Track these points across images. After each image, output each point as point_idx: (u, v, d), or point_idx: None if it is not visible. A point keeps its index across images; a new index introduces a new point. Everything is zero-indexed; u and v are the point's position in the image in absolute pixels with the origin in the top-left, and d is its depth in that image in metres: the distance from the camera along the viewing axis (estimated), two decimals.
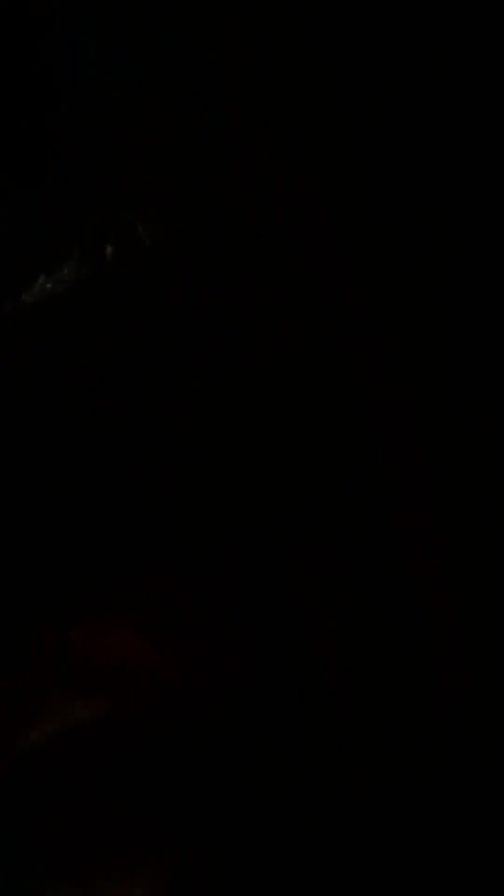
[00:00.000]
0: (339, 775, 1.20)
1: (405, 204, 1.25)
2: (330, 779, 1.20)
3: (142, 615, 1.22)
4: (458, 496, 1.22)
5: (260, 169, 1.25)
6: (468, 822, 1.19)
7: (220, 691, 1.21)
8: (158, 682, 1.21)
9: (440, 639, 1.21)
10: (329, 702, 1.21)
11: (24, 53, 1.23)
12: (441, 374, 1.23)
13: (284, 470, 1.24)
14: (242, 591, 1.22)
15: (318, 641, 1.22)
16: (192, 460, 1.24)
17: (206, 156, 1.25)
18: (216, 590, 1.22)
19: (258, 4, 1.25)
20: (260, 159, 1.25)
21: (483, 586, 1.21)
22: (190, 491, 1.23)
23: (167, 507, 1.23)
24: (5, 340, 1.23)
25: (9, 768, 1.19)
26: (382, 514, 1.22)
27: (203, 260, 1.25)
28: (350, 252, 1.25)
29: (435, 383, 1.23)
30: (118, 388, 1.24)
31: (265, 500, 1.23)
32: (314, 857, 1.19)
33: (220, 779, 1.20)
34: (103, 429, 1.23)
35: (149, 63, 1.24)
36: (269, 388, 1.24)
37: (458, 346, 1.24)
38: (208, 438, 1.24)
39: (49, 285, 1.23)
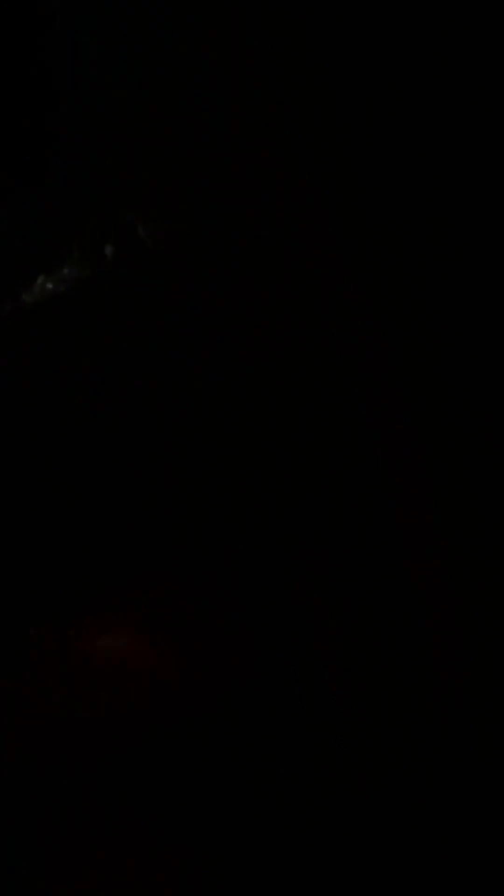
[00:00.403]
0: (339, 774, 1.20)
1: (405, 204, 1.25)
2: (330, 778, 1.20)
3: (142, 615, 1.22)
4: (458, 496, 1.22)
5: (260, 169, 1.25)
6: (468, 822, 1.19)
7: (220, 691, 1.21)
8: (158, 681, 1.21)
9: (440, 639, 1.21)
10: (329, 702, 1.21)
11: (24, 53, 1.23)
12: (441, 373, 1.23)
13: (284, 470, 1.24)
14: (242, 591, 1.22)
15: (318, 641, 1.22)
16: (192, 460, 1.24)
17: (206, 156, 1.25)
18: (216, 590, 1.22)
19: (258, 4, 1.25)
20: (260, 159, 1.25)
21: (483, 586, 1.21)
22: (190, 491, 1.23)
23: (167, 507, 1.23)
24: (5, 340, 1.23)
25: (8, 768, 1.19)
26: (382, 513, 1.22)
27: (203, 260, 1.25)
28: (350, 252, 1.25)
29: (435, 383, 1.23)
30: (118, 388, 1.24)
31: (265, 500, 1.23)
32: (314, 857, 1.19)
33: (221, 778, 1.20)
34: (103, 428, 1.23)
35: (149, 63, 1.24)
36: (269, 387, 1.24)
37: (458, 345, 1.24)
38: (208, 438, 1.24)
39: (49, 285, 1.23)
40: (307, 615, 1.22)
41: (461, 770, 1.19)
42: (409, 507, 1.22)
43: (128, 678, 1.21)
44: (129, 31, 1.24)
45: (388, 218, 1.25)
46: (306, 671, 1.22)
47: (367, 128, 1.25)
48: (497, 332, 1.24)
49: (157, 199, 1.24)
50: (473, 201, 1.25)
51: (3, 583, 1.22)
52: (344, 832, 1.20)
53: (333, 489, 1.23)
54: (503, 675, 1.20)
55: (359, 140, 1.25)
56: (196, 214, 1.24)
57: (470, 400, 1.23)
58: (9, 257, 1.23)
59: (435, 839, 1.19)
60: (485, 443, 1.23)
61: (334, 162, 1.25)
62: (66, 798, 1.19)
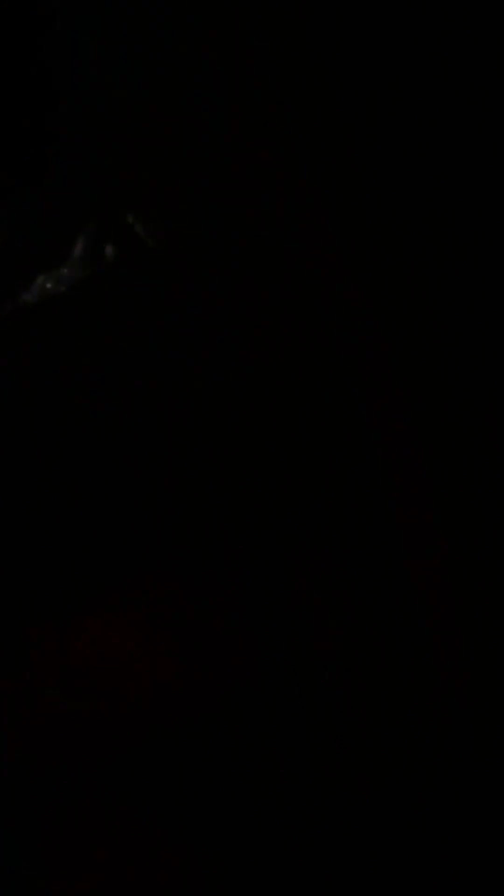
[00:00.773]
0: (339, 773, 1.20)
1: (405, 204, 1.25)
2: (330, 777, 1.20)
3: (141, 615, 1.22)
4: (458, 496, 1.22)
5: (260, 169, 1.25)
6: (468, 822, 1.19)
7: (220, 690, 1.21)
8: (158, 681, 1.21)
9: (440, 638, 1.21)
10: (329, 701, 1.21)
11: (25, 54, 1.23)
12: (440, 373, 1.23)
13: (284, 470, 1.23)
14: (242, 591, 1.22)
15: (318, 641, 1.22)
16: (191, 460, 1.24)
17: (205, 156, 1.25)
18: (216, 590, 1.22)
19: (258, 4, 1.25)
20: (260, 159, 1.25)
21: (483, 586, 1.21)
22: (190, 491, 1.23)
23: (167, 508, 1.23)
24: (5, 340, 1.23)
25: (8, 769, 1.19)
26: (382, 513, 1.22)
27: (203, 260, 1.25)
28: (350, 251, 1.25)
29: (434, 383, 1.23)
30: (118, 388, 1.24)
31: (265, 500, 1.23)
32: (314, 856, 1.19)
33: (221, 777, 1.20)
34: (103, 428, 1.23)
35: (149, 63, 1.24)
36: (270, 387, 1.24)
37: (457, 345, 1.24)
38: (208, 438, 1.23)
39: (49, 285, 1.23)
40: (307, 615, 1.22)
41: (461, 768, 1.19)
42: (410, 508, 1.22)
43: (128, 678, 1.21)
44: (129, 32, 1.24)
45: (387, 217, 1.25)
46: (306, 671, 1.21)
47: (366, 128, 1.25)
48: (496, 332, 1.24)
49: (157, 199, 1.24)
50: (473, 202, 1.24)
51: (3, 583, 1.22)
52: (344, 831, 1.19)
53: (333, 489, 1.23)
54: (503, 673, 1.20)
55: (358, 140, 1.25)
56: (196, 214, 1.24)
57: (469, 400, 1.23)
58: (9, 257, 1.23)
59: (434, 838, 1.19)
60: (484, 443, 1.23)
61: (334, 162, 1.25)
62: (65, 798, 1.19)
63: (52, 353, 1.23)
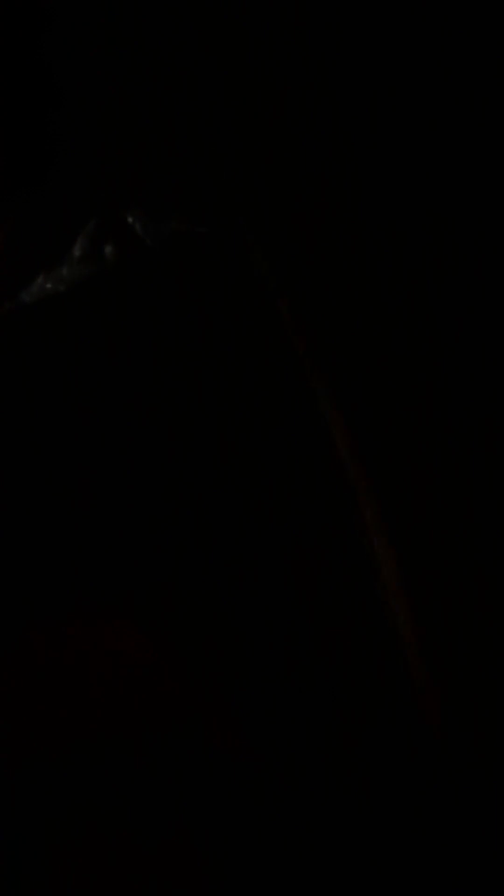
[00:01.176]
0: (339, 776, 1.20)
1: (405, 203, 1.25)
2: (330, 783, 1.20)
3: (140, 615, 1.22)
4: (457, 496, 1.22)
5: (260, 168, 1.25)
6: (468, 824, 1.18)
7: (220, 691, 1.21)
8: (158, 681, 1.21)
9: (439, 641, 1.20)
10: (329, 701, 1.21)
11: (25, 52, 1.24)
12: (441, 374, 1.23)
13: (285, 470, 1.23)
14: (242, 591, 1.22)
15: (318, 641, 1.21)
16: (191, 460, 1.23)
17: (206, 155, 1.25)
18: (216, 590, 1.22)
19: (258, 4, 1.25)
20: (260, 159, 1.25)
21: (483, 586, 1.21)
22: (189, 491, 1.23)
23: (166, 507, 1.23)
24: (4, 340, 1.24)
25: (8, 768, 1.19)
26: (383, 515, 1.22)
27: (203, 260, 1.25)
28: (350, 251, 1.25)
29: (435, 384, 1.23)
30: (117, 388, 1.24)
31: (265, 499, 1.23)
32: (314, 859, 1.19)
33: (221, 780, 1.20)
34: (102, 428, 1.23)
35: (149, 62, 1.25)
36: (270, 388, 1.24)
37: (457, 346, 1.23)
38: (208, 438, 1.23)
39: (48, 285, 1.23)
40: (307, 615, 1.22)
41: (461, 770, 1.19)
42: (409, 509, 1.22)
43: (128, 678, 1.20)
44: (130, 31, 1.25)
45: (387, 217, 1.25)
46: (306, 671, 1.21)
47: (367, 128, 1.25)
48: (497, 333, 1.24)
49: (157, 198, 1.24)
50: (473, 202, 1.24)
51: (3, 583, 1.22)
52: (344, 836, 1.19)
53: (334, 489, 1.23)
54: (501, 675, 1.19)
55: (359, 140, 1.25)
56: (196, 214, 1.25)
57: (470, 400, 1.23)
58: (7, 257, 1.23)
59: (434, 842, 1.18)
60: (484, 443, 1.22)
61: (334, 162, 1.25)
62: (66, 798, 1.19)
63: (51, 352, 1.24)
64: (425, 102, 1.24)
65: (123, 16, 1.24)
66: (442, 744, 1.19)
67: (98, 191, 1.24)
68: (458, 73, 1.24)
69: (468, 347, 1.23)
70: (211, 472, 1.23)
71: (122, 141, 1.25)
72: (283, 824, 1.19)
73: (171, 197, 1.25)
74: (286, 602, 1.22)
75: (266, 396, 1.24)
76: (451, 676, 1.20)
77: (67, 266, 1.23)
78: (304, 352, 1.24)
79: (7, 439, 1.23)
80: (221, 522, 1.23)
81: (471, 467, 1.22)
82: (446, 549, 1.22)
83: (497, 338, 1.23)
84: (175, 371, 1.24)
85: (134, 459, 1.23)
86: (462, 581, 1.21)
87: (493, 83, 1.23)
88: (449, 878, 1.18)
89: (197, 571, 1.22)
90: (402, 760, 1.19)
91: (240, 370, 1.23)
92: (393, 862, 1.18)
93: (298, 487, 1.23)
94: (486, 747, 1.18)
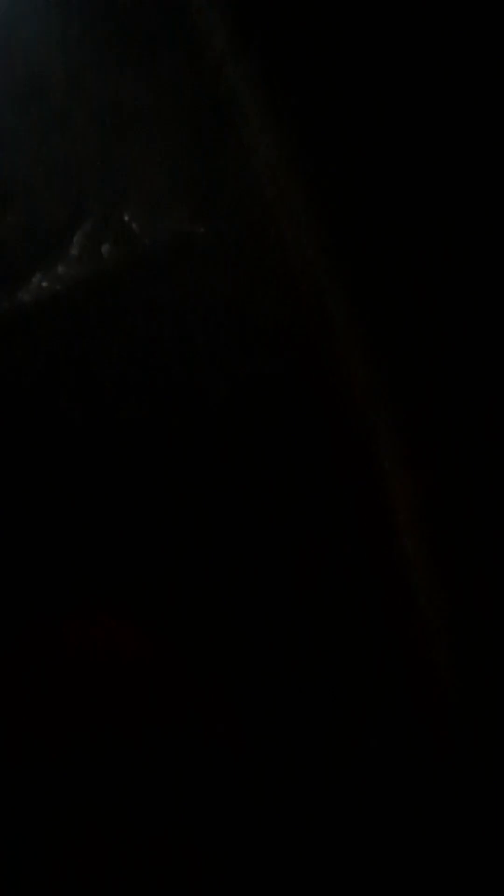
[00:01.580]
0: (339, 778, 1.20)
1: (405, 202, 1.25)
2: (329, 782, 1.20)
3: (140, 615, 1.22)
4: (457, 497, 1.22)
5: (258, 166, 1.25)
6: (468, 825, 1.18)
7: (220, 690, 1.21)
8: (157, 681, 1.21)
9: (438, 640, 1.21)
10: (329, 700, 1.21)
11: (25, 52, 1.24)
12: (441, 376, 1.23)
13: (285, 470, 1.23)
14: (242, 591, 1.22)
15: (318, 640, 1.22)
16: (191, 459, 1.23)
17: (203, 153, 1.25)
18: (216, 589, 1.22)
19: (258, 4, 1.25)
20: (258, 156, 1.25)
21: (483, 588, 1.21)
22: (189, 490, 1.23)
23: (166, 507, 1.23)
24: (2, 339, 1.23)
25: (8, 768, 1.19)
26: (383, 515, 1.22)
27: (200, 259, 1.25)
28: (350, 250, 1.25)
29: (435, 387, 1.23)
30: (116, 387, 1.24)
31: (265, 499, 1.23)
32: (313, 858, 1.19)
33: (220, 779, 1.20)
34: (101, 427, 1.23)
35: (147, 58, 1.24)
36: (269, 387, 1.24)
37: (458, 347, 1.23)
38: (208, 437, 1.23)
39: (45, 284, 1.23)
40: (307, 615, 1.22)
41: (461, 771, 1.19)
42: (410, 511, 1.22)
43: (128, 677, 1.20)
44: (129, 27, 1.24)
45: (387, 215, 1.25)
46: (305, 671, 1.21)
47: (367, 127, 1.25)
48: (497, 333, 1.24)
49: (154, 197, 1.24)
50: (473, 203, 1.24)
51: (4, 583, 1.22)
52: (343, 835, 1.19)
53: (333, 489, 1.23)
54: (500, 677, 1.19)
55: (359, 140, 1.25)
56: (193, 213, 1.24)
57: (470, 402, 1.23)
58: (5, 256, 1.23)
59: (434, 842, 1.18)
60: (485, 444, 1.23)
61: (334, 160, 1.25)
62: (66, 797, 1.19)
63: (50, 351, 1.24)
64: (425, 102, 1.24)
65: (122, 11, 1.24)
66: (442, 743, 1.19)
67: (95, 189, 1.24)
68: (458, 73, 1.24)
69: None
70: (211, 471, 1.23)
71: (119, 139, 1.25)
72: (283, 823, 1.19)
73: (168, 195, 1.24)
74: (286, 602, 1.22)
75: (266, 395, 1.24)
76: (451, 676, 1.20)
77: (64, 265, 1.23)
78: (304, 351, 1.24)
79: (6, 438, 1.23)
80: (221, 522, 1.23)
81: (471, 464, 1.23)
82: (446, 549, 1.22)
83: None
84: (174, 370, 1.24)
85: (134, 458, 1.23)
86: (462, 580, 1.21)
87: (493, 83, 1.24)
88: (449, 877, 1.18)
89: (197, 571, 1.22)
90: (401, 760, 1.19)
91: (239, 369, 1.23)
92: (393, 861, 1.19)
93: (298, 488, 1.23)
94: (486, 747, 1.18)
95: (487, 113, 1.23)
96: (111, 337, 1.24)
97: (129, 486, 1.23)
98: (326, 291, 1.24)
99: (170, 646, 1.21)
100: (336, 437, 1.23)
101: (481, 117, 1.22)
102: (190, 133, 1.24)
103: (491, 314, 1.22)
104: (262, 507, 1.23)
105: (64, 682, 1.20)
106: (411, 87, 1.23)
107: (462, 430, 1.23)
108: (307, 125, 1.25)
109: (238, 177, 1.24)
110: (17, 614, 1.21)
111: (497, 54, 1.22)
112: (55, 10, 1.24)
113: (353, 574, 1.22)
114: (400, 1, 1.21)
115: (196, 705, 1.21)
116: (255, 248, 1.25)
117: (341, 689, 1.21)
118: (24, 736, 1.20)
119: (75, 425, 1.23)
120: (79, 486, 1.23)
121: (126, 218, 1.23)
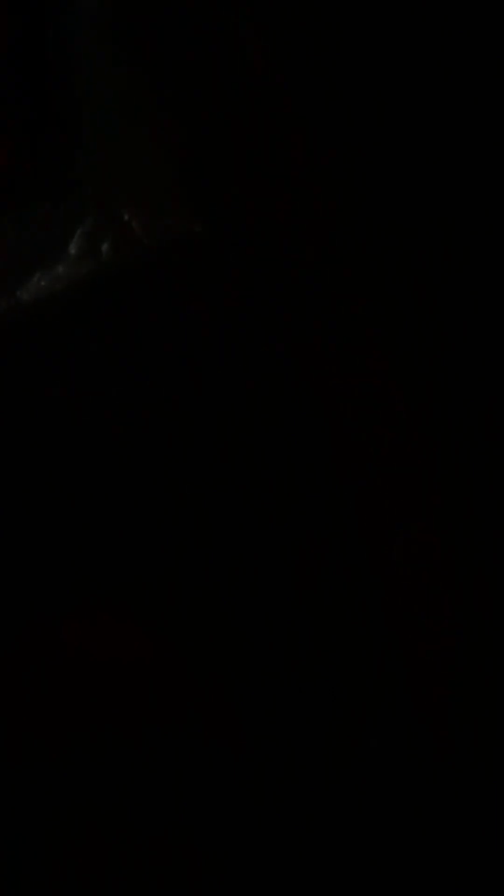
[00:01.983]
0: (338, 778, 1.20)
1: (404, 200, 1.25)
2: (329, 781, 1.20)
3: (140, 615, 1.22)
4: (456, 497, 1.22)
5: (257, 166, 1.25)
6: (468, 825, 1.18)
7: (219, 690, 1.21)
8: (157, 680, 1.21)
9: (437, 640, 1.21)
10: (328, 700, 1.21)
11: (24, 51, 1.24)
12: (442, 377, 1.23)
13: (284, 470, 1.23)
14: (242, 591, 1.22)
15: (318, 641, 1.22)
16: (190, 458, 1.23)
17: (202, 153, 1.25)
18: (216, 589, 1.22)
19: (258, 4, 1.25)
20: (258, 156, 1.25)
21: (482, 588, 1.21)
22: (188, 490, 1.23)
23: (165, 507, 1.23)
24: (1, 338, 1.23)
25: (8, 768, 1.19)
26: (383, 515, 1.22)
27: (199, 257, 1.24)
28: (350, 250, 1.25)
29: (435, 390, 1.23)
30: (115, 386, 1.24)
31: (265, 499, 1.23)
32: (313, 859, 1.19)
33: (220, 778, 1.20)
34: (100, 426, 1.23)
35: (146, 61, 1.24)
36: (269, 387, 1.24)
37: (458, 348, 1.24)
38: (207, 437, 1.23)
39: (45, 283, 1.23)
40: (307, 614, 1.22)
41: (460, 772, 1.19)
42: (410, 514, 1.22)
43: (128, 677, 1.20)
44: (128, 29, 1.24)
45: (386, 214, 1.25)
46: (305, 671, 1.21)
47: (367, 127, 1.25)
48: (497, 333, 1.24)
49: (154, 197, 1.24)
50: (473, 203, 1.24)
51: (4, 583, 1.22)
52: (343, 834, 1.19)
53: (333, 489, 1.23)
54: (499, 678, 1.19)
55: (359, 139, 1.25)
56: (193, 212, 1.24)
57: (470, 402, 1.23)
58: (4, 255, 1.23)
59: (433, 840, 1.19)
60: (485, 445, 1.23)
61: (334, 160, 1.25)
62: (66, 797, 1.19)
63: (49, 350, 1.23)
64: (425, 103, 1.24)
65: (123, 13, 1.24)
66: (442, 743, 1.19)
67: (94, 188, 1.24)
68: (458, 73, 1.24)
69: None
70: (210, 471, 1.23)
71: (119, 138, 1.24)
72: (283, 823, 1.19)
73: (167, 194, 1.24)
74: (286, 602, 1.22)
75: (265, 395, 1.24)
76: (451, 675, 1.21)
77: (64, 264, 1.23)
78: (303, 349, 1.24)
79: (5, 438, 1.23)
80: (221, 522, 1.23)
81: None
82: (446, 548, 1.22)
83: None
84: (173, 369, 1.24)
85: (133, 458, 1.23)
86: (462, 580, 1.22)
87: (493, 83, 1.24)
88: (449, 877, 1.18)
89: (197, 571, 1.22)
90: (401, 760, 1.19)
91: (238, 369, 1.23)
92: (392, 860, 1.19)
93: (297, 488, 1.23)
94: (486, 748, 1.19)
95: None
96: (111, 337, 1.24)
97: (130, 486, 1.23)
98: (326, 292, 1.24)
99: (170, 646, 1.21)
100: (336, 437, 1.23)
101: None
102: (190, 133, 1.25)
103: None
104: (262, 507, 1.23)
105: (64, 682, 1.20)
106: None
107: (462, 430, 1.23)
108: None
109: (238, 174, 1.24)
110: (17, 614, 1.21)
111: None
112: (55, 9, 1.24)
113: (353, 574, 1.22)
114: None
115: (196, 705, 1.20)
116: (252, 247, 1.25)
117: (341, 689, 1.21)
118: (24, 736, 1.19)
119: (75, 425, 1.23)
120: (79, 487, 1.23)
121: (126, 218, 1.23)
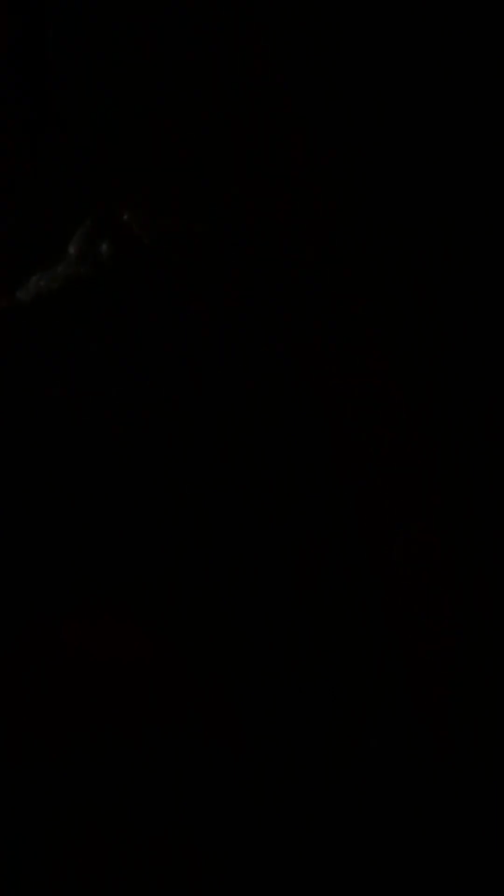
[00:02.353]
0: (338, 777, 1.20)
1: (404, 200, 1.24)
2: (329, 781, 1.20)
3: (140, 615, 1.22)
4: (455, 497, 1.22)
5: (257, 166, 1.24)
6: (468, 825, 1.18)
7: (219, 690, 1.21)
8: (157, 680, 1.20)
9: (437, 640, 1.21)
10: (328, 700, 1.21)
11: (23, 51, 1.23)
12: (442, 377, 1.23)
13: (284, 469, 1.23)
14: (242, 590, 1.22)
15: (318, 640, 1.21)
16: (191, 459, 1.23)
17: (201, 153, 1.25)
18: (216, 589, 1.22)
19: (257, 4, 1.24)
20: (257, 156, 1.24)
21: (482, 589, 1.21)
22: (188, 489, 1.23)
23: (165, 506, 1.23)
24: (1, 338, 1.23)
25: (8, 768, 1.19)
26: (383, 515, 1.22)
27: (198, 257, 1.24)
28: (350, 250, 1.25)
29: (436, 391, 1.23)
30: (114, 386, 1.23)
31: (265, 499, 1.23)
32: (313, 859, 1.19)
33: (219, 778, 1.20)
34: (99, 426, 1.23)
35: (146, 63, 1.24)
36: (269, 387, 1.24)
37: (459, 349, 1.23)
38: (207, 436, 1.23)
39: (43, 283, 1.23)
40: (307, 614, 1.22)
41: (460, 772, 1.19)
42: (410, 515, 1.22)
43: (128, 677, 1.20)
44: (127, 31, 1.24)
45: (386, 213, 1.24)
46: (305, 671, 1.21)
47: (367, 127, 1.24)
48: (497, 333, 1.24)
49: (153, 196, 1.24)
50: (473, 204, 1.24)
51: (4, 582, 1.22)
52: (343, 833, 1.19)
53: (333, 489, 1.23)
54: (499, 678, 1.19)
55: (359, 139, 1.25)
56: (191, 212, 1.24)
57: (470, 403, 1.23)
58: (3, 255, 1.23)
59: (433, 839, 1.18)
60: (485, 446, 1.22)
61: (333, 160, 1.25)
62: (66, 797, 1.19)
63: (48, 350, 1.23)
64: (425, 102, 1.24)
65: (121, 15, 1.24)
66: (442, 743, 1.19)
67: (93, 188, 1.23)
68: (458, 73, 1.24)
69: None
70: (210, 471, 1.23)
71: (118, 138, 1.24)
72: (283, 822, 1.19)
73: (166, 194, 1.24)
74: (286, 601, 1.22)
75: (265, 395, 1.23)
76: (451, 675, 1.20)
77: (62, 264, 1.23)
78: (303, 349, 1.23)
79: (5, 438, 1.23)
80: (221, 522, 1.23)
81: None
82: (446, 548, 1.22)
83: None
84: (173, 369, 1.24)
85: (133, 458, 1.23)
86: (462, 580, 1.21)
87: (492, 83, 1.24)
88: (449, 877, 1.18)
89: (197, 571, 1.22)
90: (401, 760, 1.19)
91: (238, 368, 1.23)
92: (392, 860, 1.19)
93: (297, 488, 1.23)
94: (486, 748, 1.18)
95: None
96: (110, 336, 1.24)
97: (130, 486, 1.23)
98: (326, 293, 1.24)
99: (170, 646, 1.21)
100: (336, 437, 1.23)
101: None
102: (190, 133, 1.24)
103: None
104: (262, 507, 1.23)
105: (64, 682, 1.20)
106: None
107: (462, 430, 1.23)
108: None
109: (238, 174, 1.24)
110: (17, 614, 1.20)
111: None
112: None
113: (353, 574, 1.22)
114: None
115: (196, 705, 1.20)
116: (251, 246, 1.25)
117: (341, 689, 1.21)
118: (24, 736, 1.19)
119: (75, 425, 1.23)
120: (79, 486, 1.22)
121: (126, 218, 1.23)
